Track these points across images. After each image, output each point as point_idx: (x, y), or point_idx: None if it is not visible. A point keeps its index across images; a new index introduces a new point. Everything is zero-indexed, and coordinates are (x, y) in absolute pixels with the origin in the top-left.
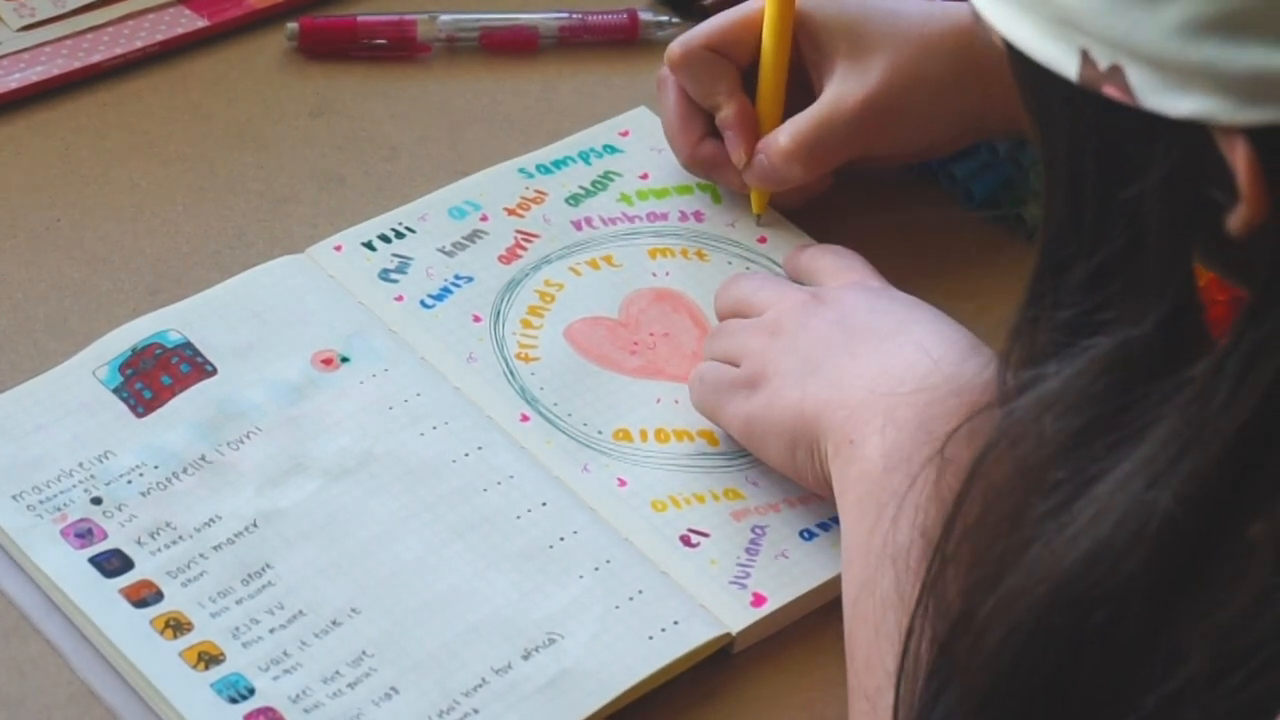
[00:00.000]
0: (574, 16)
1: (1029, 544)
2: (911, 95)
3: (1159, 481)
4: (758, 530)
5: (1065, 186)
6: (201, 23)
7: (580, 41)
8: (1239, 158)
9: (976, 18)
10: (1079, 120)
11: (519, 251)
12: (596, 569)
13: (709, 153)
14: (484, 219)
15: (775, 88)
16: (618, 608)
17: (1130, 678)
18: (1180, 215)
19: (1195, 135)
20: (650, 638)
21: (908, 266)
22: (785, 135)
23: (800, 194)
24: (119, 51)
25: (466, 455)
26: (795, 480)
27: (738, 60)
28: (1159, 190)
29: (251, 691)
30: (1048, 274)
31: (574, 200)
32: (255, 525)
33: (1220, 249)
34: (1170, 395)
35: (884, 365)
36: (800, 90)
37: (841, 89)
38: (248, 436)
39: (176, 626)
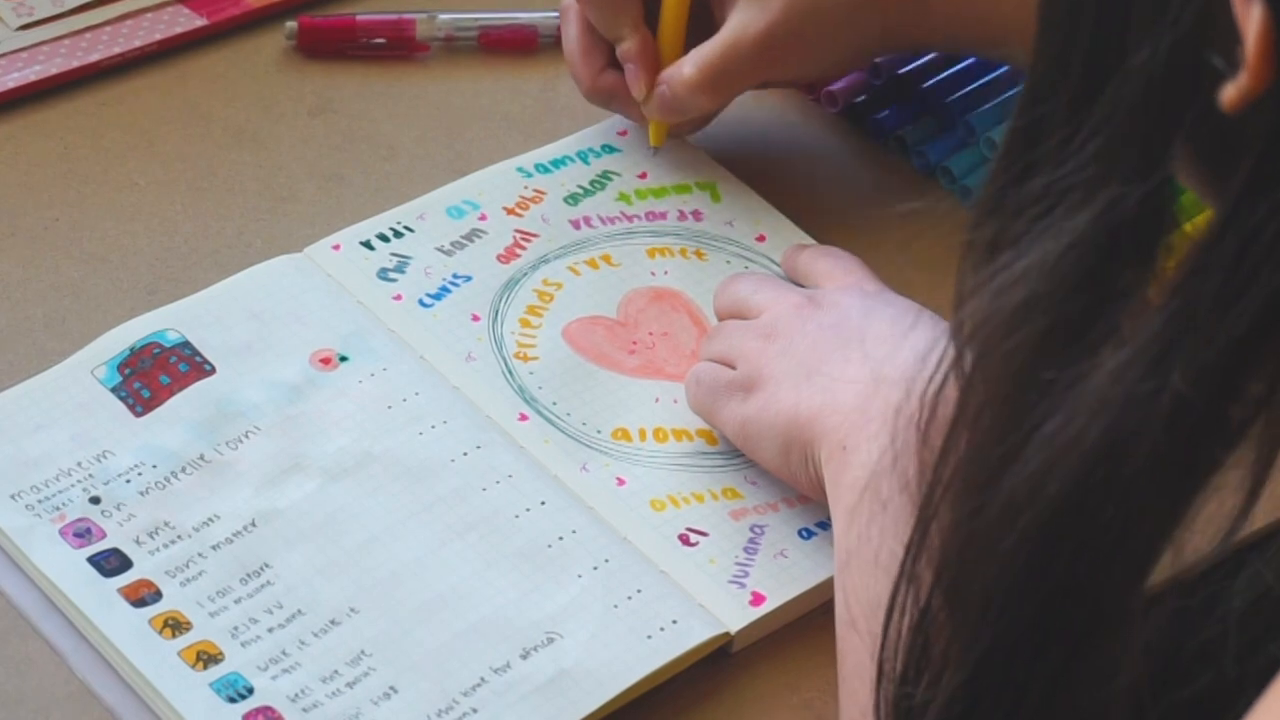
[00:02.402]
0: None
1: (1025, 452)
2: (811, 24)
3: (1163, 364)
4: (756, 529)
5: (1058, 38)
6: (200, 22)
7: None
8: (1252, 22)
9: None
10: None
11: (517, 251)
12: (595, 568)
13: (609, 83)
14: (482, 218)
15: (677, 20)
16: (616, 607)
17: (1140, 575)
18: (1179, 79)
19: None
20: (649, 637)
21: (905, 268)
22: (690, 66)
23: (691, 123)
24: (117, 51)
25: (465, 454)
26: (789, 484)
27: None
28: (1163, 51)
29: (250, 691)
30: (1023, 133)
31: (572, 200)
32: (254, 525)
33: (1202, 127)
34: (1155, 279)
35: (879, 370)
36: (699, 25)
37: (744, 18)
38: (246, 436)
39: (175, 626)
